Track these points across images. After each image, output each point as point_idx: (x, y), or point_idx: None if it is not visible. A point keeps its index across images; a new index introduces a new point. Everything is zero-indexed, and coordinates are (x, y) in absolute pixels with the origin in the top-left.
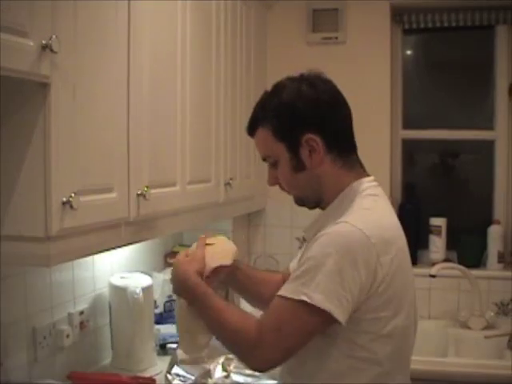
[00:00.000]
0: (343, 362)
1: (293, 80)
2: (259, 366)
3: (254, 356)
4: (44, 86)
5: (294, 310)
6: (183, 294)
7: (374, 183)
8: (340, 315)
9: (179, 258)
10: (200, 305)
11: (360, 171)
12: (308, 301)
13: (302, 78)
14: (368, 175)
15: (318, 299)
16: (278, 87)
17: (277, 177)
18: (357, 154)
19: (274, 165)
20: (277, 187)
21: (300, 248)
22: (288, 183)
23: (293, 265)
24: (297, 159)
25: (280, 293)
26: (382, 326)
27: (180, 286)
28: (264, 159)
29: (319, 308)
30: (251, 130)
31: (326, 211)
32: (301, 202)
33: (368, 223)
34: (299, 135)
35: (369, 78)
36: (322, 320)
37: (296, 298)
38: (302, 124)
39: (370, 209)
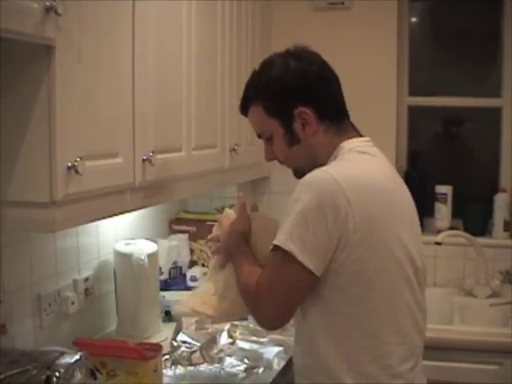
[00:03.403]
0: (338, 321)
1: (279, 55)
2: (263, 321)
3: (256, 312)
4: (49, 49)
5: (275, 259)
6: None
7: (367, 143)
8: (304, 258)
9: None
10: (234, 262)
11: (353, 134)
12: (276, 243)
13: (289, 53)
14: (362, 136)
15: (281, 240)
16: (266, 64)
17: (273, 152)
18: (349, 119)
19: (269, 140)
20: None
21: None
22: (285, 157)
23: None
24: (291, 133)
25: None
26: (366, 280)
27: (226, 243)
28: (259, 136)
29: (284, 249)
30: (244, 109)
31: None
32: (300, 174)
33: (342, 170)
34: (291, 109)
35: (375, 44)
36: (294, 266)
37: (277, 244)
38: (292, 98)
39: (351, 161)
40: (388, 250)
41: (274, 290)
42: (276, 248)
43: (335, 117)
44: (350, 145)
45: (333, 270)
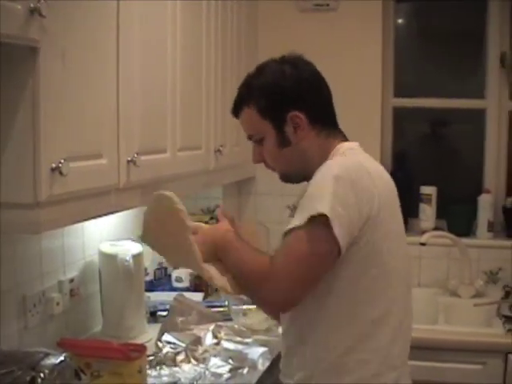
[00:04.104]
0: (343, 306)
1: (275, 61)
2: (272, 299)
3: (266, 289)
4: (33, 51)
5: (299, 235)
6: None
7: (358, 147)
8: (339, 233)
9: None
10: (228, 252)
11: (343, 139)
12: (312, 213)
13: (284, 60)
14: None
15: (320, 208)
16: (262, 68)
17: (261, 154)
18: (337, 126)
19: (259, 142)
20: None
21: (290, 216)
22: (274, 159)
23: None
24: (282, 136)
25: (286, 228)
26: (383, 262)
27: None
28: (249, 138)
29: (321, 218)
30: (236, 110)
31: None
32: (286, 177)
33: (360, 160)
34: (284, 113)
35: (360, 46)
36: (324, 236)
37: (302, 223)
38: (286, 102)
39: (359, 155)
40: (396, 238)
41: (293, 263)
42: (305, 223)
43: (326, 122)
44: (342, 148)
45: (353, 252)
